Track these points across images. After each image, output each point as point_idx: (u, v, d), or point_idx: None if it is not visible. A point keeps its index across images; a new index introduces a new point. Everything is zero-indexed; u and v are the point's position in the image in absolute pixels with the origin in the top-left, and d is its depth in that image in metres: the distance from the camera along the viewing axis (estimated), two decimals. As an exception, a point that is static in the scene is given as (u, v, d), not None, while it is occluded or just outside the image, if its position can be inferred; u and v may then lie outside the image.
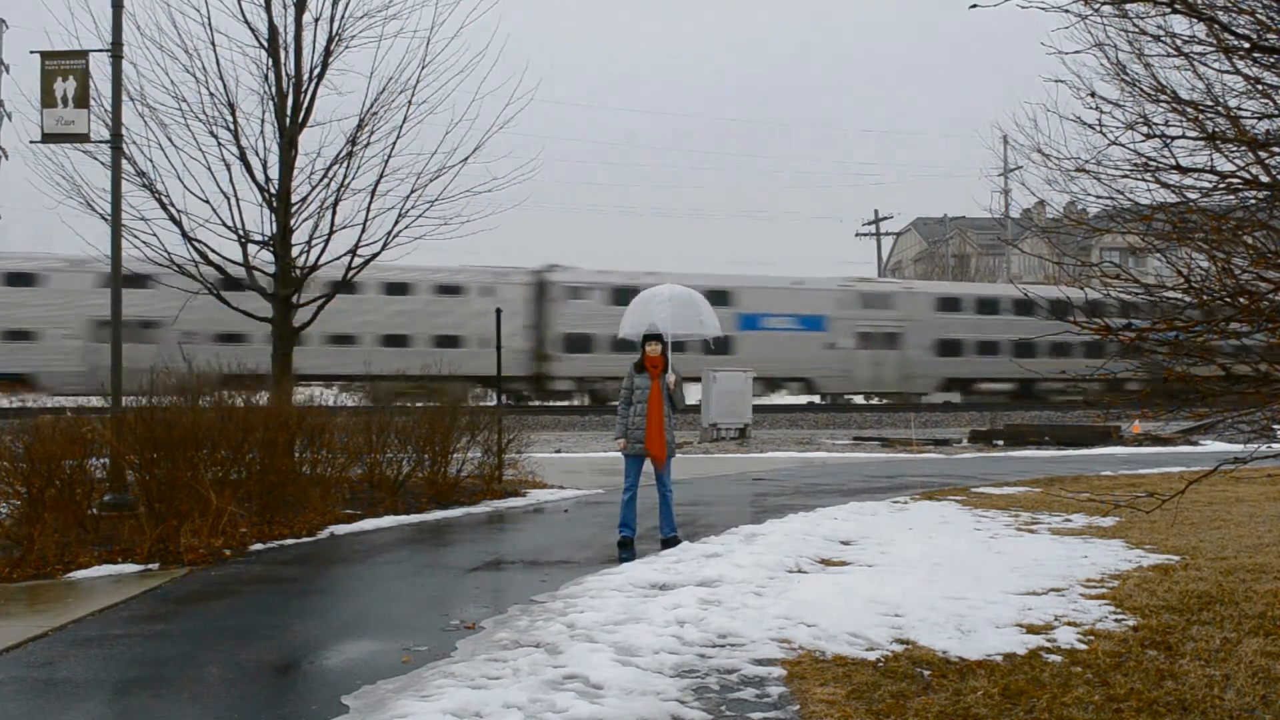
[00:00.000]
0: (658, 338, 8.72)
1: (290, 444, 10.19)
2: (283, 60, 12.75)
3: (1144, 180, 5.79)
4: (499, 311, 17.30)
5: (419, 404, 13.30)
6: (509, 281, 34.20)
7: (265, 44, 12.67)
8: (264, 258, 13.33)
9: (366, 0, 13.43)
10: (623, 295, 34.71)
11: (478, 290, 33.75)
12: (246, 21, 12.62)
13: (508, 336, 35.17)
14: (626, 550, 8.47)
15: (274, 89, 12.77)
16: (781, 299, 36.18)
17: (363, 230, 13.09)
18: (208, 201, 12.62)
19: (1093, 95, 5.79)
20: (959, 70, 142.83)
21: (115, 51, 10.56)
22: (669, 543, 8.49)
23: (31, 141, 10.91)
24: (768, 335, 36.24)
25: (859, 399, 39.94)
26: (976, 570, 7.26)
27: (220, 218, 12.70)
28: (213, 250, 12.85)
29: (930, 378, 38.54)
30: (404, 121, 12.87)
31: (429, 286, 33.48)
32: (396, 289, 32.99)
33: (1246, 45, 5.22)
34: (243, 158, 12.70)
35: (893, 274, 63.86)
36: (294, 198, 12.92)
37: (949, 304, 39.28)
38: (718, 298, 34.95)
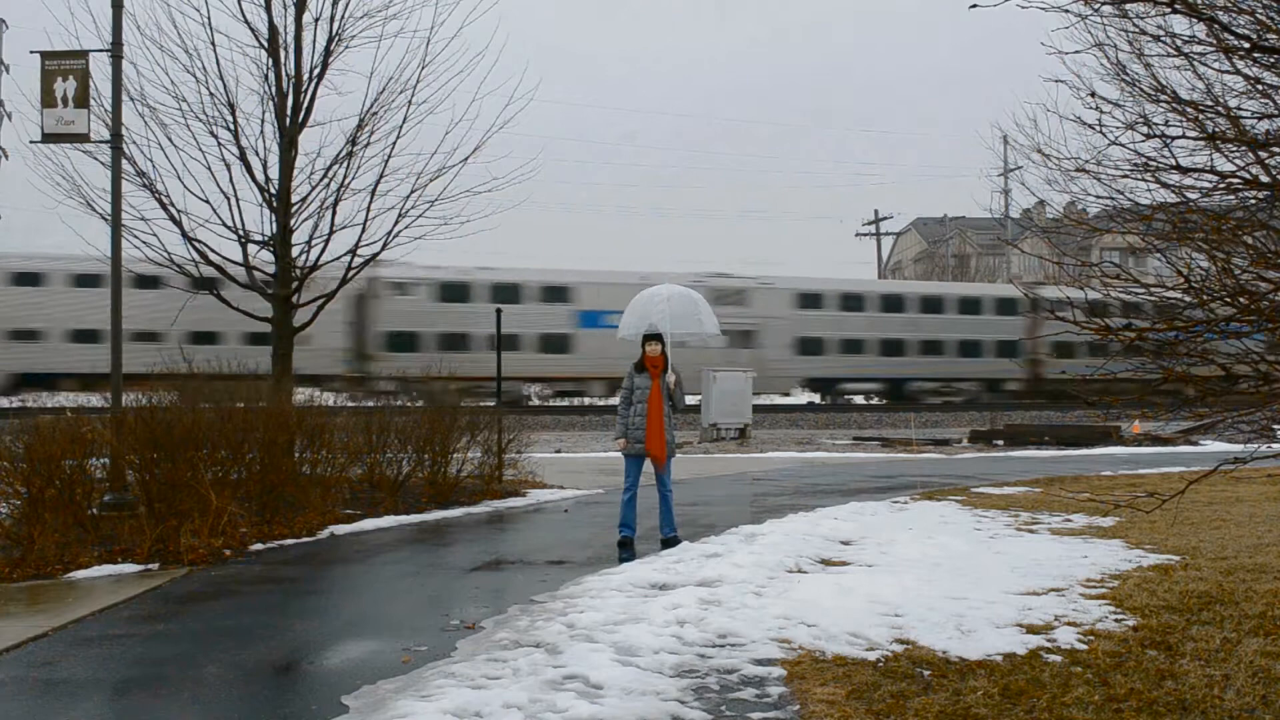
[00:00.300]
0: (658, 337, 8.72)
1: (290, 444, 10.20)
2: (283, 60, 12.76)
3: (1144, 180, 5.79)
4: (499, 311, 17.30)
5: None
6: (326, 275, 33.00)
7: (265, 44, 12.67)
8: (264, 257, 13.35)
9: (366, 0, 13.44)
10: (452, 291, 33.49)
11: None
12: (246, 21, 12.65)
13: (326, 334, 34.17)
14: (626, 550, 8.47)
15: (274, 89, 12.78)
16: (627, 295, 34.64)
17: (363, 230, 13.13)
18: (208, 201, 12.64)
19: (1093, 95, 5.78)
20: (959, 70, 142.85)
21: (115, 51, 10.56)
22: (669, 543, 8.49)
23: (31, 141, 10.92)
24: (610, 333, 33.27)
25: (859, 399, 39.71)
26: (976, 570, 7.26)
27: (220, 218, 12.72)
28: (213, 250, 12.87)
29: (789, 378, 37.62)
30: (404, 121, 12.90)
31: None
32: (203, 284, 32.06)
33: (1246, 45, 5.22)
34: (243, 158, 12.71)
35: (893, 274, 63.86)
36: (294, 198, 12.93)
37: (810, 300, 38.23)
38: (555, 294, 33.86)
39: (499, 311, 17.26)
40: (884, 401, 38.70)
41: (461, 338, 32.69)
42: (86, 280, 30.62)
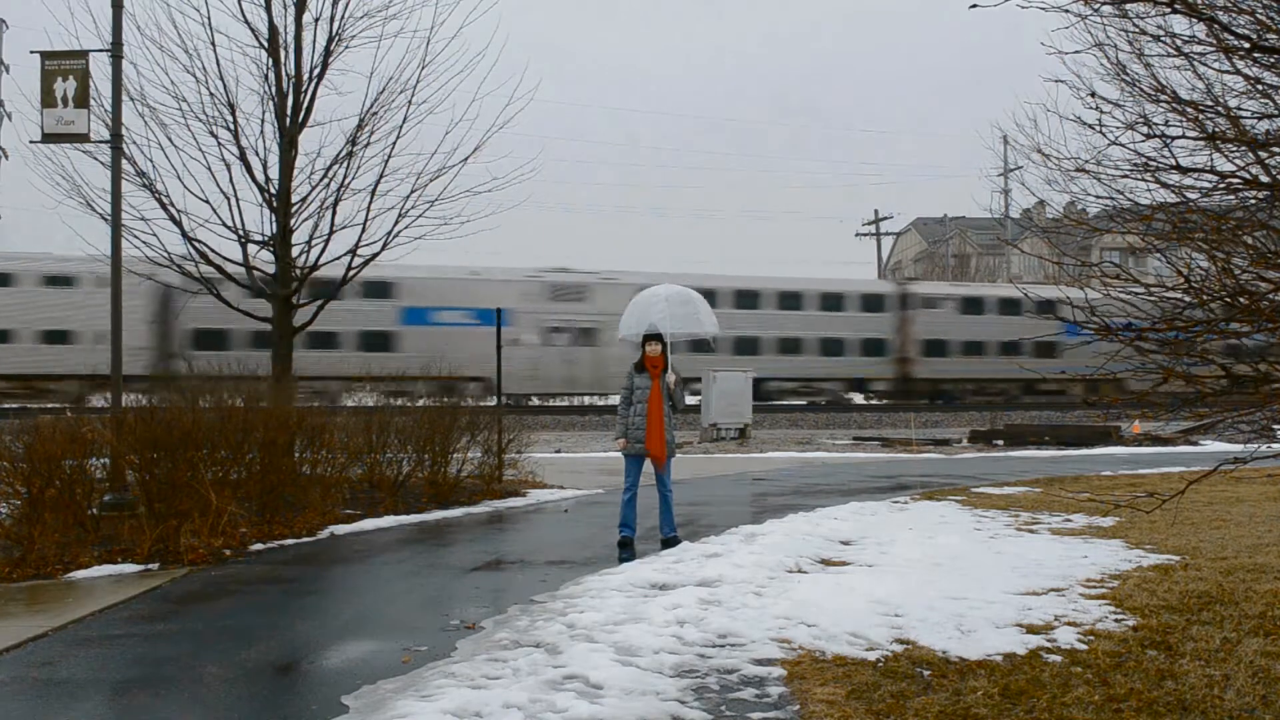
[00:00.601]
0: (658, 337, 8.72)
1: (290, 444, 10.19)
2: (283, 60, 12.76)
3: (1144, 180, 5.78)
4: (499, 312, 17.28)
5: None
6: (129, 271, 30.63)
7: (265, 44, 12.67)
8: (264, 257, 13.35)
9: (366, 0, 13.44)
10: None
11: (94, 281, 29.34)
12: (246, 21, 12.65)
13: (127, 333, 31.88)
14: (626, 550, 8.47)
15: (274, 89, 12.78)
16: (456, 291, 33.25)
17: (363, 230, 13.13)
18: (208, 201, 12.64)
19: (1093, 95, 5.78)
20: (960, 70, 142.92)
21: (115, 51, 10.56)
22: (669, 543, 8.49)
23: (31, 141, 10.92)
24: (438, 331, 32.77)
25: (859, 399, 39.41)
26: (976, 570, 7.26)
27: (220, 218, 12.73)
28: (213, 250, 12.87)
29: None
30: (404, 121, 12.91)
31: (35, 277, 30.47)
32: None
33: (1246, 45, 5.21)
34: (243, 158, 12.71)
35: (893, 274, 63.82)
36: (294, 198, 12.93)
37: None
38: (377, 289, 32.04)
39: (499, 312, 17.22)
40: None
41: None
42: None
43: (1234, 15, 5.22)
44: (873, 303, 38.79)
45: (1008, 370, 37.96)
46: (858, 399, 39.19)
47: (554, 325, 34.56)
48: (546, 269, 35.24)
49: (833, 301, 38.03)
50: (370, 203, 12.97)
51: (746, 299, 37.03)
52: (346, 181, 12.97)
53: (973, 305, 39.41)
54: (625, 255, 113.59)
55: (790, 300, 37.83)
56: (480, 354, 31.34)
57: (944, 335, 38.54)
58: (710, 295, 38.28)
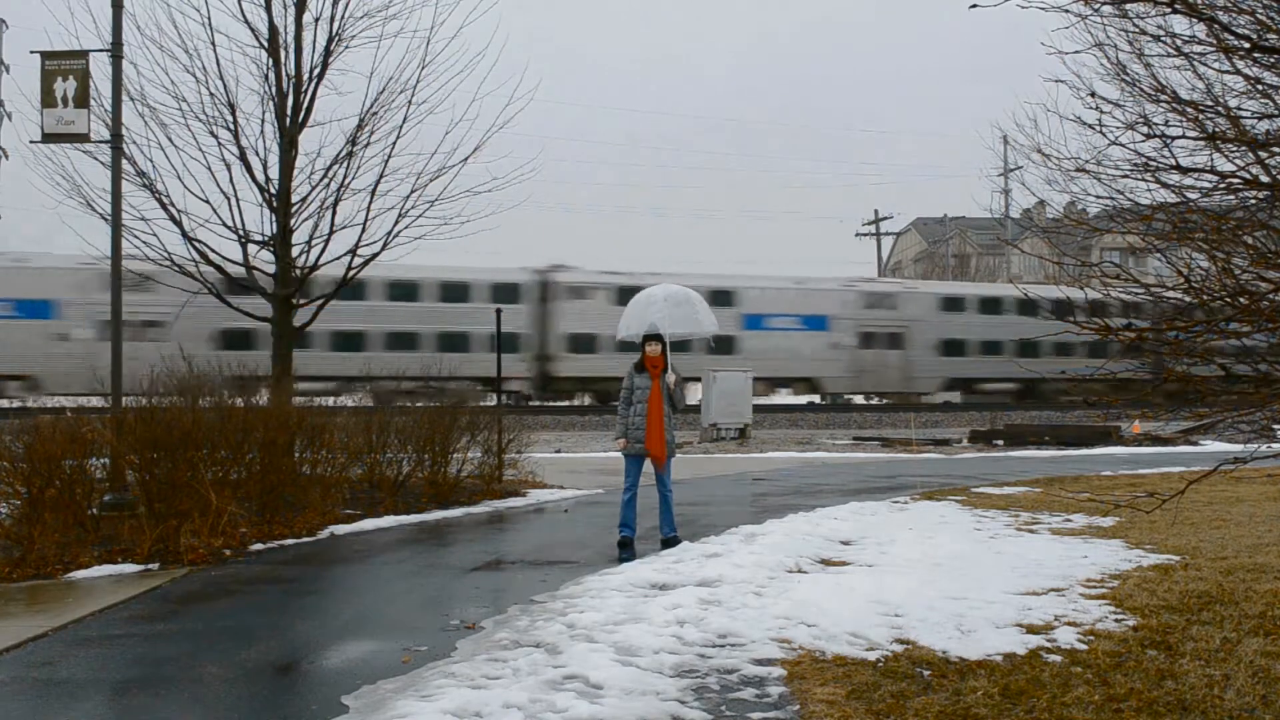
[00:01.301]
0: (658, 337, 8.73)
1: (290, 444, 10.19)
2: (283, 60, 12.75)
3: (1144, 180, 5.79)
4: (499, 311, 17.28)
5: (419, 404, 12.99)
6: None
7: (265, 44, 12.67)
8: (264, 257, 13.34)
9: (366, 0, 13.44)
10: None
11: None
12: (246, 21, 12.64)
13: None
14: (626, 550, 8.47)
15: (274, 89, 12.77)
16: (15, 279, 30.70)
17: (363, 230, 13.10)
18: (208, 201, 12.63)
19: (1093, 95, 5.79)
20: (960, 70, 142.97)
21: (115, 51, 10.56)
22: (669, 543, 8.49)
23: (31, 141, 10.92)
24: (21, 323, 30.29)
25: (859, 399, 39.19)
26: (976, 570, 7.26)
27: (220, 218, 12.70)
28: (213, 250, 12.86)
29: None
30: (404, 121, 12.88)
31: None
32: None
33: (1246, 45, 5.22)
34: (243, 158, 12.70)
35: (893, 274, 63.76)
36: (294, 198, 12.92)
37: (239, 287, 30.64)
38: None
39: (499, 312, 17.21)
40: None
41: None
42: None
43: (1234, 15, 5.23)
44: (505, 293, 33.57)
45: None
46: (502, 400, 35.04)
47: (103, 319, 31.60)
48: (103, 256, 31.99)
49: (456, 292, 33.99)
50: (370, 203, 12.96)
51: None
52: (346, 181, 12.97)
53: (631, 296, 34.59)
54: (625, 255, 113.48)
55: (403, 290, 33.37)
56: (27, 352, 29.51)
57: (595, 329, 33.63)
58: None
